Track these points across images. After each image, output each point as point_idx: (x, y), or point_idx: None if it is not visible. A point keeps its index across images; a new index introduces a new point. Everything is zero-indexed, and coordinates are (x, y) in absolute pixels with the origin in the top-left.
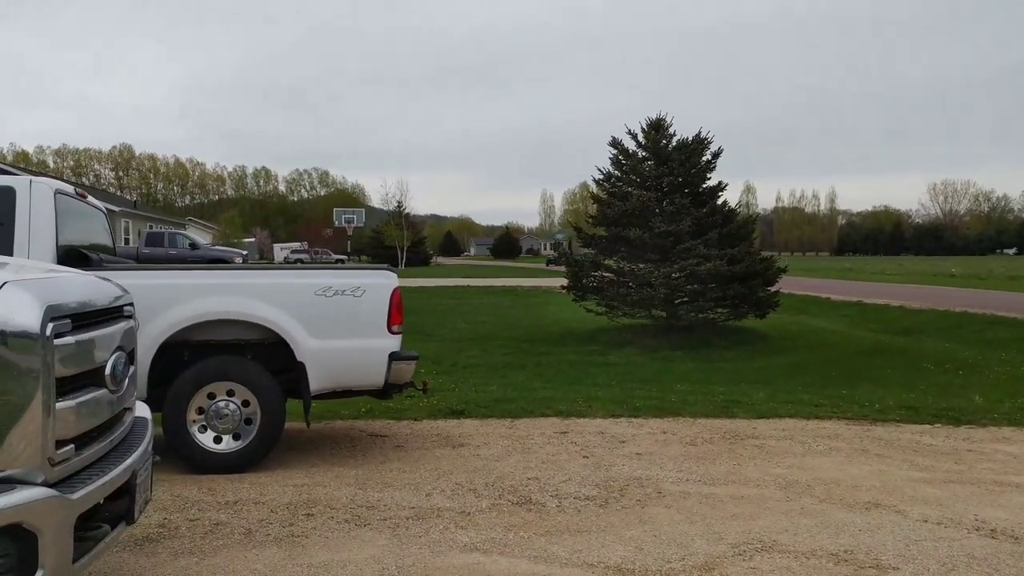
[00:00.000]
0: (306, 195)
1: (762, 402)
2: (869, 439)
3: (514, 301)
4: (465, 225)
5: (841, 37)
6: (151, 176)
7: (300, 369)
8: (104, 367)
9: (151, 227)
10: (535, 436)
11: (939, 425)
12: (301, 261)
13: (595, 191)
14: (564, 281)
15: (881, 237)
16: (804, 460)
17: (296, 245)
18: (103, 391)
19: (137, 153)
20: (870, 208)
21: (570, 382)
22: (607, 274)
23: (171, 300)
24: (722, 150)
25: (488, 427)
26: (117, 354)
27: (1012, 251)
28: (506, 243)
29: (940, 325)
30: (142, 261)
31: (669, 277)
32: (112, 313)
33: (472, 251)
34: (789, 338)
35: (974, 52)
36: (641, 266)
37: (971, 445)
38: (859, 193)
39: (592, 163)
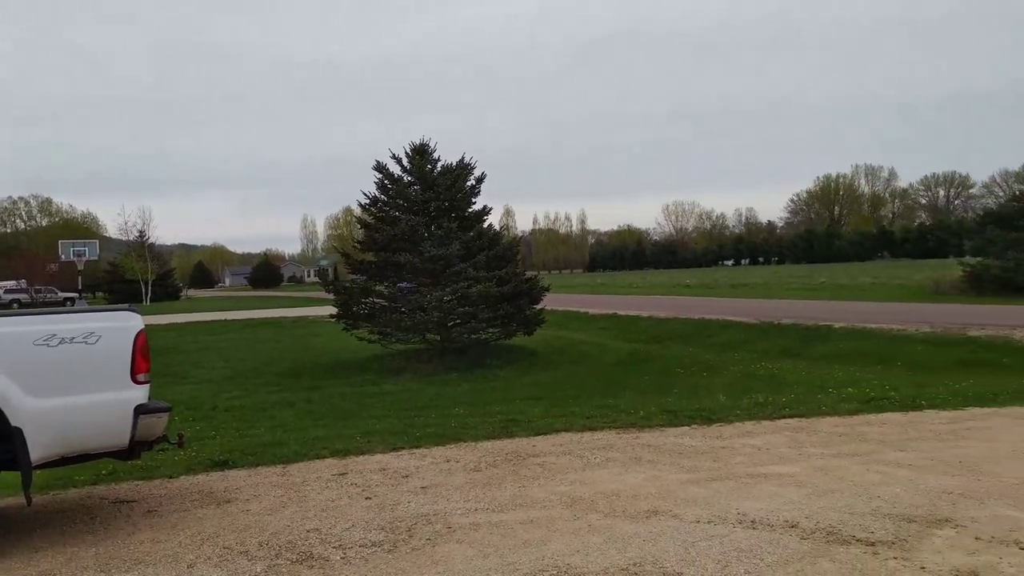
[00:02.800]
0: (23, 226)
1: (538, 418)
2: (640, 446)
3: (278, 333)
4: (218, 254)
5: (591, 69)
6: None
7: (16, 436)
8: None
9: None
10: (311, 481)
11: (695, 426)
12: (18, 302)
13: (361, 215)
14: (332, 310)
15: (626, 254)
16: (585, 474)
17: (11, 283)
18: None
19: None
20: (615, 227)
21: (345, 417)
22: (378, 300)
23: None
24: (485, 175)
25: (257, 476)
26: None
27: (730, 263)
28: (266, 271)
29: (683, 332)
30: None
31: (442, 300)
32: None
33: (227, 282)
34: (555, 352)
35: (700, 90)
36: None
37: (723, 442)
38: (606, 213)
39: (356, 188)
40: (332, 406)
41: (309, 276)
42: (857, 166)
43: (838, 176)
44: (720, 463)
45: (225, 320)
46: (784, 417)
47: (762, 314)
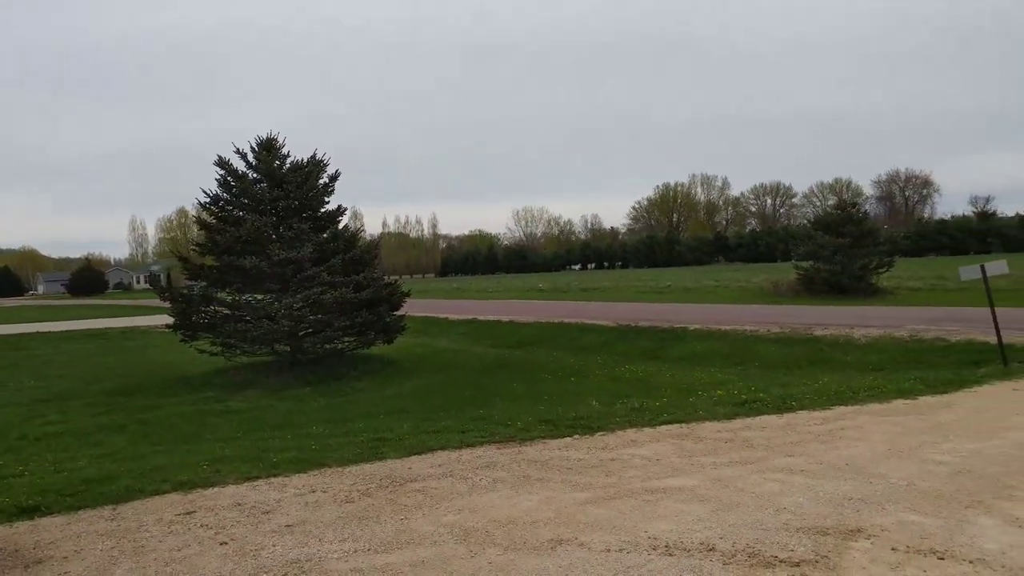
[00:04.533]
0: None
1: (409, 435)
2: (524, 462)
3: (103, 347)
4: (29, 258)
5: (438, 74)
6: None
7: None
8: None
9: None
10: (150, 525)
11: (577, 436)
12: None
13: (200, 215)
14: (167, 319)
15: (479, 258)
16: (472, 499)
17: None
18: None
19: None
20: (467, 232)
21: (187, 440)
22: (221, 308)
23: None
24: (340, 173)
25: (80, 523)
26: None
27: (578, 267)
28: (88, 278)
29: (545, 336)
30: None
31: (292, 308)
32: None
33: (41, 289)
34: (417, 361)
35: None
36: (259, 297)
37: (612, 453)
38: (457, 217)
39: (193, 187)
40: (171, 428)
41: (139, 283)
42: (694, 175)
43: (676, 184)
44: (614, 478)
45: (36, 332)
46: (664, 423)
47: (617, 317)
